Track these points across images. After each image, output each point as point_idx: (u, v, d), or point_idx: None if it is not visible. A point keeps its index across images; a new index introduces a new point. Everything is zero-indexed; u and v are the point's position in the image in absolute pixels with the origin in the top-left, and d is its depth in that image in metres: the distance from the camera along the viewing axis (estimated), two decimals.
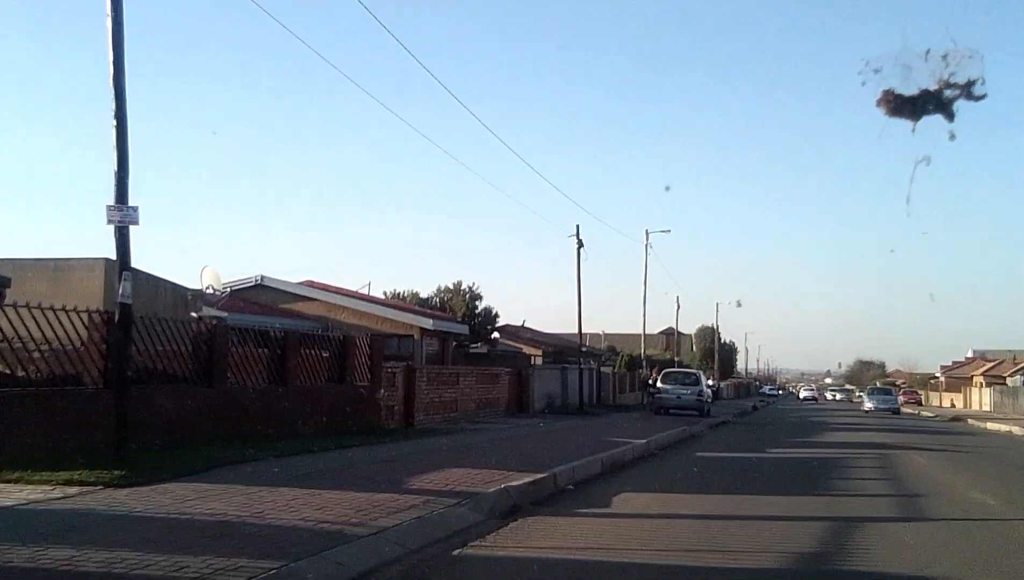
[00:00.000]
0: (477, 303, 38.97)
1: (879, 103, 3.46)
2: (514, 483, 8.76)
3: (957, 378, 79.53)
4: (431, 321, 25.92)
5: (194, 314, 19.87)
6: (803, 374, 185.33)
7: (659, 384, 28.36)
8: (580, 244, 29.12)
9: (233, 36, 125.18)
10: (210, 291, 19.58)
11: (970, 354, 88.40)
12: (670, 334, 67.91)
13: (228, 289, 22.05)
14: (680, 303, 55.55)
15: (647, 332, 49.76)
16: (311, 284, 27.39)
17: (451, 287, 38.92)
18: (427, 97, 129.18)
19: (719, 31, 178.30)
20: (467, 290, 38.80)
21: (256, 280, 25.67)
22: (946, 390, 79.99)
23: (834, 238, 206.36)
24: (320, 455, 10.92)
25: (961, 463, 15.39)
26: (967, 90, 3.36)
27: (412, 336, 25.47)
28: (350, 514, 6.81)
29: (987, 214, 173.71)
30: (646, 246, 41.25)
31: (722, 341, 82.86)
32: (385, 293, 38.85)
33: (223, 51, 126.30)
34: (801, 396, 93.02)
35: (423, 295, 39.11)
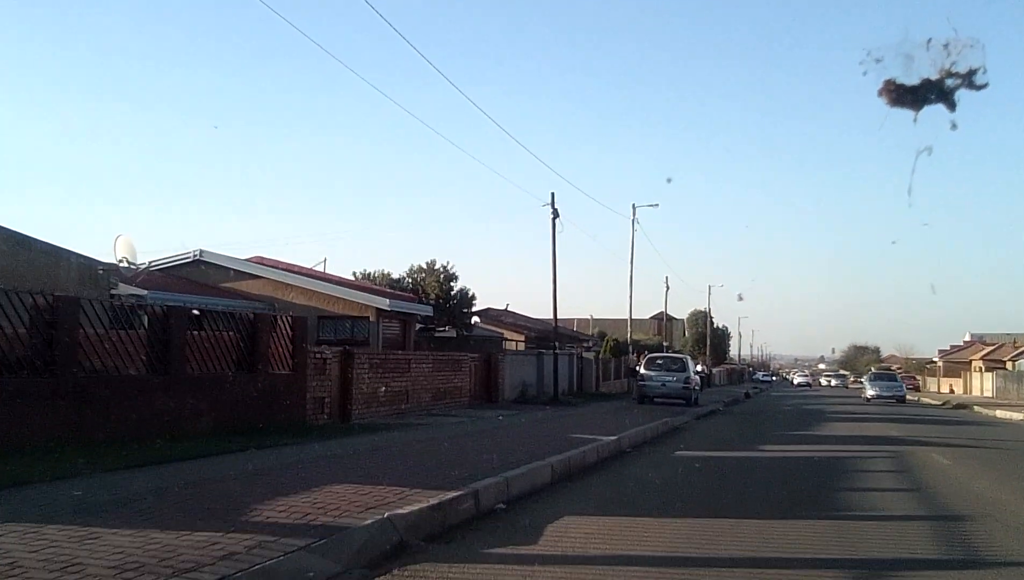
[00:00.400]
0: (452, 284, 36.22)
1: (881, 93, 3.30)
2: (404, 510, 6.27)
3: (955, 363, 77.44)
4: (388, 301, 23.33)
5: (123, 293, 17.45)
6: (796, 360, 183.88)
7: (642, 370, 25.86)
8: (555, 214, 26.66)
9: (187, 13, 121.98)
10: (124, 265, 16.98)
11: (968, 338, 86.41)
12: (661, 319, 65.47)
13: (147, 263, 19.46)
14: (670, 286, 53.13)
15: (638, 317, 47.30)
16: (260, 261, 24.78)
17: (424, 266, 36.21)
18: (426, 95, 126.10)
19: (721, 20, 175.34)
20: (441, 269, 36.00)
21: (194, 255, 23.07)
22: (944, 375, 77.99)
23: (832, 227, 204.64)
24: (175, 466, 8.39)
25: (993, 465, 12.90)
26: (968, 79, 3.19)
27: (368, 318, 22.93)
28: (105, 576, 4.33)
29: (988, 204, 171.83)
30: (632, 221, 38.71)
31: (715, 326, 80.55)
32: (355, 273, 36.27)
33: (186, 29, 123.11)
34: (795, 382, 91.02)
35: (395, 275, 36.50)
